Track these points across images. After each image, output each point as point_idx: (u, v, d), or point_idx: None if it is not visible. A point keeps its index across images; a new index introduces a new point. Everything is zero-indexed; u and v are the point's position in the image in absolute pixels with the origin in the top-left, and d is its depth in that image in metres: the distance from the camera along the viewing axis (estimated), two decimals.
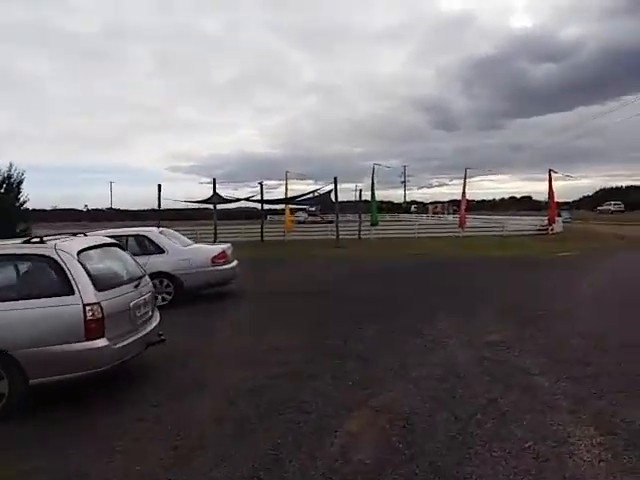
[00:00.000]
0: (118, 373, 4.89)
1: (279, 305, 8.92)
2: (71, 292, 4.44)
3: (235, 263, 10.10)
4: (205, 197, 23.77)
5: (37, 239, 4.69)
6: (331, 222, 38.99)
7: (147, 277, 5.69)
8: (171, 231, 10.37)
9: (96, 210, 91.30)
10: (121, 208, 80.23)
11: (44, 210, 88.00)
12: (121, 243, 9.14)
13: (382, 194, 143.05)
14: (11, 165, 11.35)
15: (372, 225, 26.63)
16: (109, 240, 5.58)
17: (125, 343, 4.74)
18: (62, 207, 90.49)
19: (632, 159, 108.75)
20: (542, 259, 15.74)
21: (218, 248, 9.66)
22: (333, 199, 22.13)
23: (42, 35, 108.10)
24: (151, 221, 24.76)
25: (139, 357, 5.25)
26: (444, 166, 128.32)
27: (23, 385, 4.32)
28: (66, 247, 4.67)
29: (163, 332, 5.52)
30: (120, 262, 5.37)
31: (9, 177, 11.33)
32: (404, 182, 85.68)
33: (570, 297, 8.85)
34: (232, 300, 9.58)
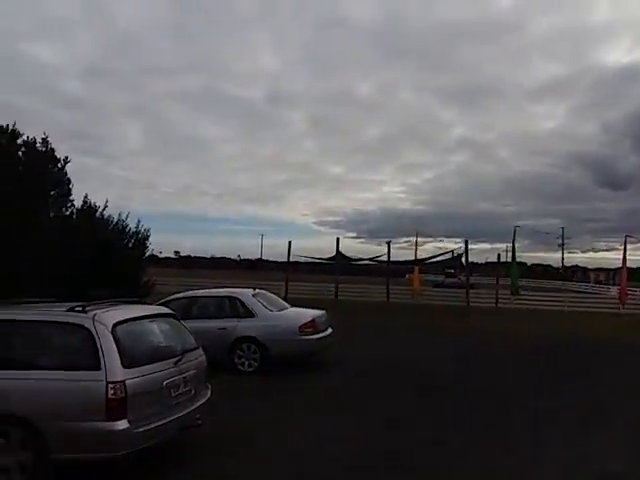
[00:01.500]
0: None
1: (365, 393, 7.91)
2: (98, 367, 4.19)
3: (329, 332, 9.43)
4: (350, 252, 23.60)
5: (80, 307, 4.61)
6: (473, 286, 36.23)
7: (198, 351, 5.31)
8: (267, 293, 10.11)
9: (247, 260, 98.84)
10: (270, 259, 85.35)
11: (205, 258, 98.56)
12: (207, 304, 9.40)
13: (538, 257, 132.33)
14: (139, 221, 12.30)
15: (512, 294, 24.08)
16: (160, 310, 5.37)
17: (151, 427, 4.32)
18: (218, 256, 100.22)
19: None
20: None
21: (308, 316, 9.07)
22: (463, 262, 20.47)
23: (211, 99, 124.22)
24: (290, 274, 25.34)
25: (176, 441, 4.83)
26: (611, 228, 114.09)
27: (47, 458, 4.12)
28: (104, 318, 4.49)
29: (218, 409, 5.05)
30: (164, 335, 5.08)
31: (137, 233, 12.30)
32: (562, 245, 77.55)
33: None
34: (319, 376, 8.82)
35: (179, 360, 4.81)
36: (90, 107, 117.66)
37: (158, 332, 5.04)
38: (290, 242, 24.53)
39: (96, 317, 4.46)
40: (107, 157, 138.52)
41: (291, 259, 24.47)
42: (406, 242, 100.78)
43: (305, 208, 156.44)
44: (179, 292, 10.36)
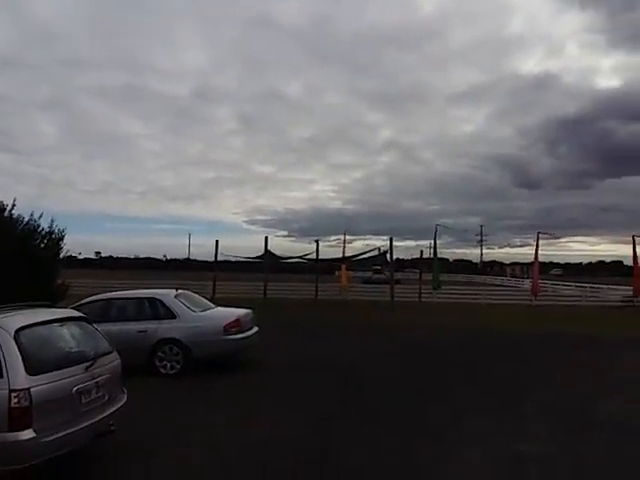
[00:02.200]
0: None
1: (283, 385, 8.03)
2: (0, 375, 3.99)
3: (254, 331, 9.41)
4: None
5: None
6: (399, 282, 37.39)
7: (112, 355, 5.14)
8: (190, 294, 9.91)
9: (175, 260, 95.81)
10: (198, 259, 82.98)
11: (128, 258, 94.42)
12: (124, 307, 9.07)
13: (459, 253, 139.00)
14: (52, 221, 11.64)
15: (434, 288, 25.16)
16: (70, 314, 5.14)
17: (60, 435, 4.14)
18: (143, 256, 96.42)
19: None
20: (612, 340, 13.51)
21: (232, 315, 8.98)
22: (388, 258, 21.14)
23: (135, 95, 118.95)
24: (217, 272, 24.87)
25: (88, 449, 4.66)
26: (526, 225, 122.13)
27: None
28: (6, 323, 4.24)
29: (135, 414, 4.90)
30: (74, 340, 4.87)
31: (50, 233, 11.62)
32: (481, 241, 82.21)
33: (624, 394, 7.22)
34: (241, 373, 8.81)
35: (90, 365, 4.64)
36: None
37: (68, 337, 4.83)
38: (217, 241, 24.18)
39: None
40: (19, 153, 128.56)
41: (220, 258, 24.15)
42: (336, 240, 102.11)
43: (235, 207, 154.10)
44: (97, 294, 9.92)
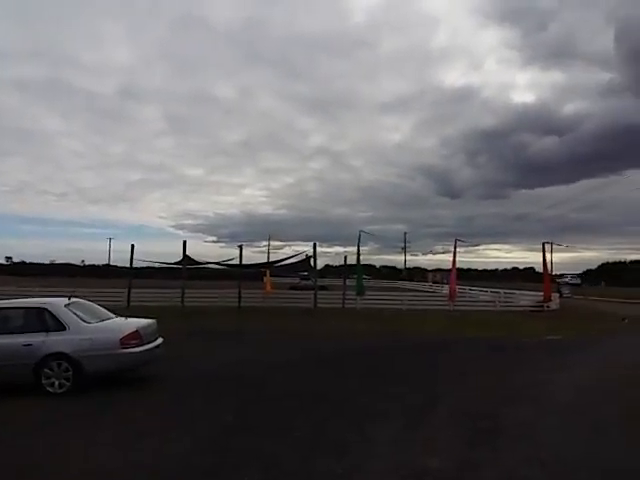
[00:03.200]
0: None
1: (190, 399, 7.56)
2: None
3: (157, 342, 8.80)
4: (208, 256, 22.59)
5: None
6: (325, 288, 37.44)
7: None
8: (86, 303, 9.12)
9: (93, 266, 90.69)
10: (118, 265, 78.71)
11: (43, 264, 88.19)
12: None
13: (385, 259, 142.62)
14: None
15: (357, 294, 25.34)
16: None
17: None
18: (60, 262, 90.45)
19: (636, 233, 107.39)
20: (525, 343, 14.21)
21: (131, 327, 8.27)
22: (312, 264, 21.02)
23: (54, 91, 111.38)
24: (150, 279, 23.64)
25: None
26: (449, 233, 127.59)
27: None
28: None
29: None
30: None
31: None
32: (404, 248, 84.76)
33: (538, 402, 7.41)
34: (141, 388, 8.19)
35: None
36: None
37: None
38: (133, 245, 23.09)
39: None
40: None
41: (139, 264, 23.05)
42: (265, 246, 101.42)
43: (162, 210, 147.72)
44: None
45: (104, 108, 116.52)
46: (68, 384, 7.68)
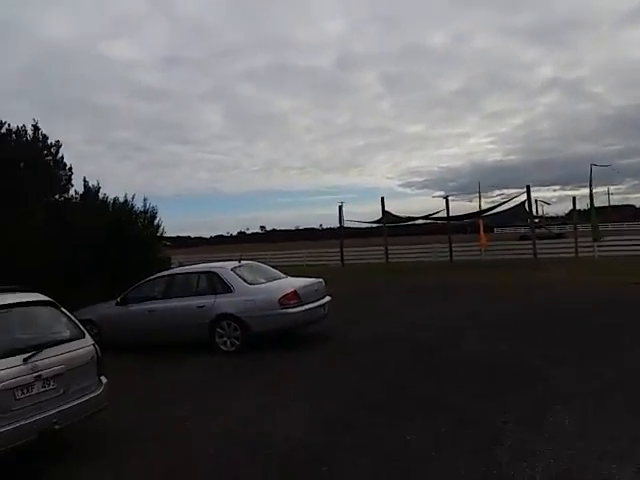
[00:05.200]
0: None
1: (362, 364, 6.85)
2: None
3: (321, 302, 8.37)
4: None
5: None
6: (562, 236, 32.60)
7: (75, 343, 4.50)
8: (257, 265, 9.26)
9: (331, 229, 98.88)
10: (351, 226, 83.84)
11: (290, 230, 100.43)
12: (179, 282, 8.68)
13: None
14: (145, 200, 11.94)
15: (594, 240, 21.12)
16: (28, 298, 4.57)
17: None
18: (303, 227, 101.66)
19: None
20: None
21: (288, 287, 8.05)
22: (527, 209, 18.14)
23: (280, 74, 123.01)
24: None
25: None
26: None
27: None
28: None
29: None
30: (20, 328, 4.33)
31: (146, 212, 11.93)
32: None
33: None
34: (307, 350, 7.82)
35: (32, 355, 4.04)
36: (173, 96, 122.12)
37: (9, 325, 4.28)
38: (340, 206, 23.49)
39: None
40: (194, 143, 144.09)
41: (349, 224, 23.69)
42: (499, 196, 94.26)
43: (388, 171, 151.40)
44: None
45: (325, 81, 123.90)
46: (238, 343, 7.84)
